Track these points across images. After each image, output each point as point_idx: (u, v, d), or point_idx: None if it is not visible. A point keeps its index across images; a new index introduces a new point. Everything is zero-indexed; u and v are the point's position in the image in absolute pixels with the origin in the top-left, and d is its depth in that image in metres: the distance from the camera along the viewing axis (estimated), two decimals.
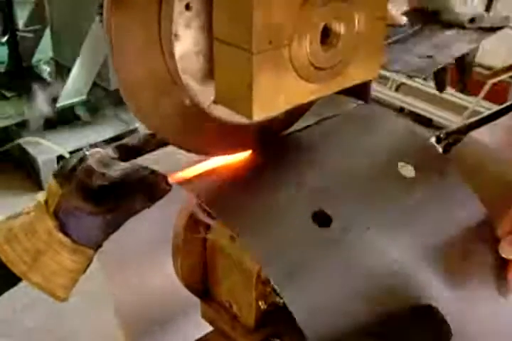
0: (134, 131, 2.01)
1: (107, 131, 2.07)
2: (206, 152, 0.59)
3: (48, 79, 2.29)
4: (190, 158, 0.60)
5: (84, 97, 2.13)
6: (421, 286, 0.58)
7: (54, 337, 1.69)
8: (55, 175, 0.59)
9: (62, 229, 0.59)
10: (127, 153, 0.62)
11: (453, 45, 0.90)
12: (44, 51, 2.38)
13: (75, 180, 0.58)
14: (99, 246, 0.61)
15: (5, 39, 2.11)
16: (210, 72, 0.50)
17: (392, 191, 0.63)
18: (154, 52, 0.49)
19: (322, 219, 0.57)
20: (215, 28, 0.47)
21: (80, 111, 2.12)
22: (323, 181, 0.60)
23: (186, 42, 0.48)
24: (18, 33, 2.14)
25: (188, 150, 0.58)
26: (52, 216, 0.59)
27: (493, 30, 0.94)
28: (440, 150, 0.91)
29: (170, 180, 0.57)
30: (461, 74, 0.98)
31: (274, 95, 0.47)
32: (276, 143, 0.63)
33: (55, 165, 1.73)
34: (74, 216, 0.58)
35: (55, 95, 2.10)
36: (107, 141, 1.96)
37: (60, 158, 1.92)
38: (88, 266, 0.61)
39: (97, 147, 0.60)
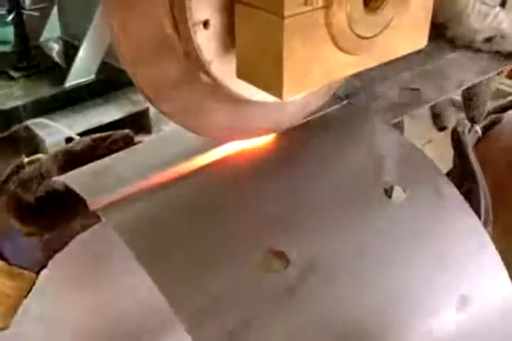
0: (143, 111, 1.94)
1: (116, 113, 2.00)
2: (165, 108, 0.45)
3: (56, 58, 2.22)
4: (136, 171, 0.47)
5: (93, 77, 2.06)
6: None
7: None
8: None
9: None
10: (72, 160, 0.53)
11: (453, 74, 0.68)
12: (51, 30, 2.31)
13: (7, 194, 0.50)
14: (43, 266, 0.53)
15: (10, 18, 2.03)
16: None
17: (373, 220, 0.50)
18: None
19: (276, 261, 0.45)
20: None
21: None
22: (286, 207, 0.48)
23: None
24: (24, 11, 2.06)
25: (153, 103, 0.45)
26: None
27: None
28: (479, 132, 0.83)
29: (89, 205, 0.44)
30: (468, 111, 0.77)
31: (308, 68, 0.40)
32: (232, 154, 0.50)
33: None
34: (8, 236, 0.50)
35: (63, 75, 2.03)
36: (116, 123, 1.90)
37: (68, 139, 1.86)
38: (30, 290, 0.53)
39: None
